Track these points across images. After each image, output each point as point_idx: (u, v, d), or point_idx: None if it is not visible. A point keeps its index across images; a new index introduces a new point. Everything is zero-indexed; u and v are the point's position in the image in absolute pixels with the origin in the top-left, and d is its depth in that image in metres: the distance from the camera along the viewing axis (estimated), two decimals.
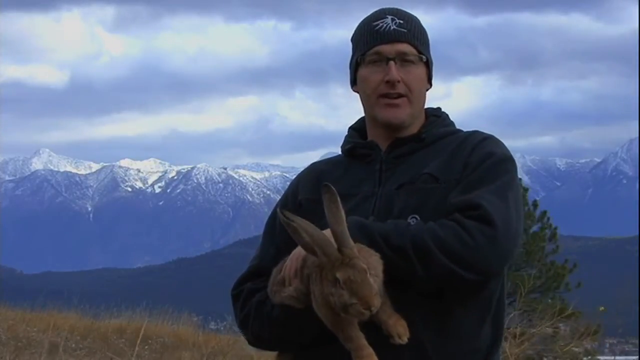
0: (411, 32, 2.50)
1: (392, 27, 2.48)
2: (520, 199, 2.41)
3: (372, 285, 2.13)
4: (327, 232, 2.24)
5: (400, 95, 2.47)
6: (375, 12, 2.56)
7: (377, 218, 2.39)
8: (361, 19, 2.55)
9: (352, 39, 2.59)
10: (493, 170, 2.38)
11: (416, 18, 2.55)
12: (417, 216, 2.35)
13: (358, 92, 2.58)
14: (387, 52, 2.47)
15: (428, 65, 2.54)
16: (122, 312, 16.53)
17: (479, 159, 2.40)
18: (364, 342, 2.20)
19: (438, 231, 2.26)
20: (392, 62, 2.46)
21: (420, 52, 2.50)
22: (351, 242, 2.17)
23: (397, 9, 2.54)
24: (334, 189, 2.19)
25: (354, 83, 2.58)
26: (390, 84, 2.46)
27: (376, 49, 2.48)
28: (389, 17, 2.51)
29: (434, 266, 2.25)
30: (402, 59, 2.47)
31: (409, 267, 2.26)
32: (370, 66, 2.49)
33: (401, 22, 2.50)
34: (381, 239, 2.27)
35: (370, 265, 2.19)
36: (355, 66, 2.55)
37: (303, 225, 2.18)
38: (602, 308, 11.69)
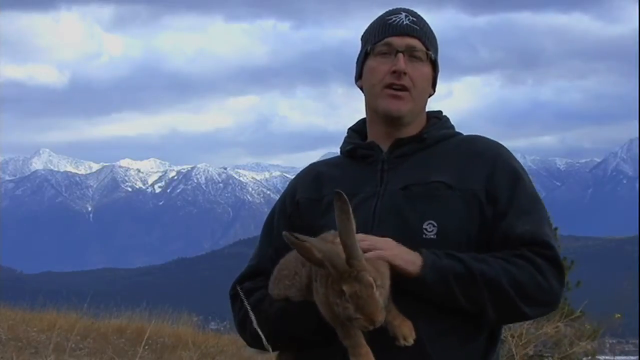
0: (423, 30, 2.54)
1: (405, 22, 2.52)
2: None
3: (378, 301, 2.11)
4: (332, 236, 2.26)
5: (404, 88, 2.48)
6: (390, 9, 2.60)
7: (380, 217, 2.40)
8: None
9: (363, 36, 2.61)
10: (532, 192, 2.46)
11: (428, 23, 2.60)
12: (433, 222, 2.37)
13: (362, 87, 2.58)
14: (397, 44, 2.50)
15: (434, 68, 2.57)
16: (122, 312, 16.50)
17: (510, 179, 2.44)
18: (362, 340, 2.20)
19: (515, 272, 2.30)
20: (400, 54, 2.49)
21: (428, 50, 2.53)
22: (360, 253, 2.14)
23: (411, 9, 2.59)
24: (346, 197, 2.14)
25: (359, 77, 2.59)
26: (397, 74, 2.47)
27: (387, 40, 2.51)
28: (403, 13, 2.55)
29: (507, 308, 2.32)
30: (411, 54, 2.50)
31: (479, 310, 2.33)
32: (378, 57, 2.51)
33: (414, 19, 2.54)
34: (455, 282, 2.29)
35: (378, 270, 2.17)
36: (364, 59, 2.56)
37: (315, 243, 2.15)
38: (618, 315, 11.67)
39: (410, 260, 2.28)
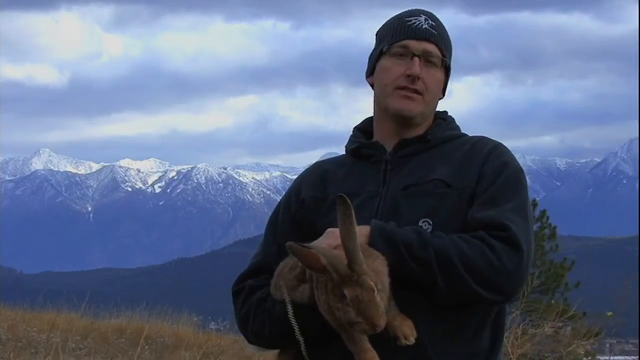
0: (441, 35, 2.54)
1: (424, 26, 2.51)
2: (532, 212, 2.47)
3: (379, 305, 2.11)
4: (331, 233, 2.28)
5: (416, 92, 2.49)
6: (410, 9, 2.59)
7: (382, 217, 2.39)
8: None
9: (378, 33, 2.60)
10: (512, 184, 2.41)
11: (446, 28, 2.59)
12: (429, 220, 2.36)
13: (372, 84, 2.58)
14: (414, 47, 2.49)
15: (447, 74, 2.57)
16: (122, 312, 16.52)
17: (495, 170, 2.42)
18: (367, 344, 2.19)
19: (464, 248, 2.26)
20: (416, 58, 2.48)
21: (444, 56, 2.53)
22: (361, 257, 2.13)
23: (431, 12, 2.58)
24: (349, 202, 2.13)
25: (370, 74, 2.59)
26: (411, 78, 2.47)
27: (404, 42, 2.50)
28: (423, 16, 2.54)
29: (457, 283, 2.25)
30: (426, 59, 2.50)
31: (430, 280, 2.26)
32: (394, 58, 2.50)
33: (433, 24, 2.53)
34: (404, 247, 2.26)
35: (378, 274, 2.17)
36: (378, 56, 2.55)
37: (320, 250, 2.15)
38: (610, 313, 11.69)
39: (359, 232, 2.25)
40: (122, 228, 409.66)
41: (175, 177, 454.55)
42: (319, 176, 2.58)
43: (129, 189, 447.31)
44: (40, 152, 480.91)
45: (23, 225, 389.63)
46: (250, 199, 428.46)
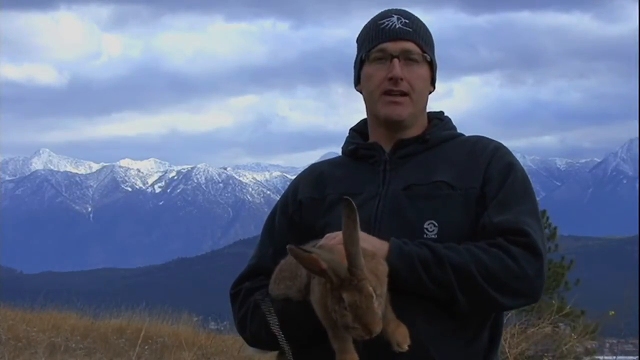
0: (416, 31, 2.51)
1: (397, 26, 2.49)
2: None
3: (377, 312, 2.09)
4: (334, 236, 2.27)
5: (402, 93, 2.47)
6: (382, 12, 2.57)
7: (382, 217, 2.40)
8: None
9: (358, 39, 2.60)
10: (522, 186, 2.42)
11: (422, 21, 2.57)
12: (434, 222, 2.35)
13: (361, 92, 2.58)
14: (391, 49, 2.47)
15: (432, 67, 2.54)
16: (122, 312, 16.51)
17: (502, 172, 2.42)
18: (350, 345, 2.18)
19: (484, 259, 2.26)
20: (396, 60, 2.46)
21: (424, 52, 2.51)
22: (362, 262, 2.10)
23: (403, 10, 2.55)
24: (354, 206, 2.09)
25: (357, 82, 2.58)
26: (394, 80, 2.45)
27: (381, 46, 2.48)
28: (395, 16, 2.52)
29: (479, 297, 2.26)
30: (406, 57, 2.48)
31: (449, 297, 2.27)
32: (374, 63, 2.49)
33: (407, 21, 2.51)
34: (422, 267, 2.26)
35: (377, 277, 2.15)
36: (360, 64, 2.55)
37: (320, 253, 2.12)
38: (612, 313, 11.70)
39: (377, 248, 2.26)
40: (122, 228, 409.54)
41: (175, 177, 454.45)
42: (316, 177, 2.57)
43: (129, 189, 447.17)
44: (40, 152, 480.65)
45: (23, 225, 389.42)
46: (250, 199, 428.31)
